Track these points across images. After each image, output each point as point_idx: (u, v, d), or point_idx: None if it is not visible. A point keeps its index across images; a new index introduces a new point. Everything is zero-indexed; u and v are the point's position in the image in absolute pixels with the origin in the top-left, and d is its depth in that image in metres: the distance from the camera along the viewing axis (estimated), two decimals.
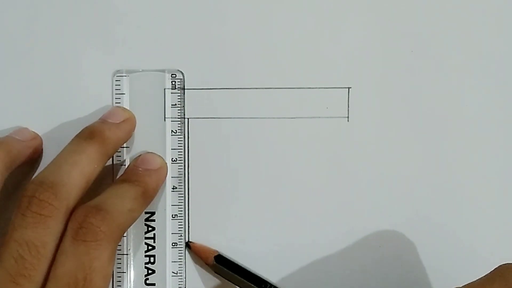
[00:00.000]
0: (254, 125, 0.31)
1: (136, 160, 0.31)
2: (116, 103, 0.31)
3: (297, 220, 0.31)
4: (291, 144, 0.31)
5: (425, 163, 0.31)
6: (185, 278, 0.31)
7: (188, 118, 0.31)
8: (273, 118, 0.31)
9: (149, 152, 0.31)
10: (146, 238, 0.31)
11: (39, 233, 0.26)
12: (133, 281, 0.31)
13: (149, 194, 0.29)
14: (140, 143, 0.31)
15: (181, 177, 0.31)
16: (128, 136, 0.31)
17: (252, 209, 0.31)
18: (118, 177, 0.31)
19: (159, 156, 0.31)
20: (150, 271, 0.31)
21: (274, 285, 0.30)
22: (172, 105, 0.31)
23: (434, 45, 0.31)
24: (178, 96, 0.31)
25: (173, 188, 0.31)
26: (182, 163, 0.31)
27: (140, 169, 0.30)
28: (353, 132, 0.31)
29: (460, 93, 0.31)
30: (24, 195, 0.27)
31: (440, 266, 0.31)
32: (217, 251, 0.31)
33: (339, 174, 0.31)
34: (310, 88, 0.31)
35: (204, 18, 0.31)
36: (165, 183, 0.31)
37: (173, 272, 0.31)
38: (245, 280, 0.30)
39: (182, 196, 0.31)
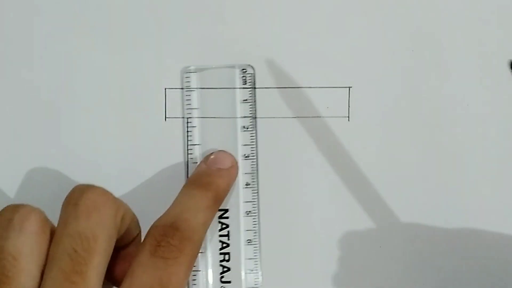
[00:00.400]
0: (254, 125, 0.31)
1: (207, 159, 0.31)
2: (186, 100, 0.31)
3: (297, 219, 0.31)
4: (291, 143, 0.31)
5: (426, 163, 0.31)
6: (261, 275, 0.31)
7: None
8: (273, 117, 0.31)
9: (220, 151, 0.31)
10: (220, 235, 0.31)
11: (91, 224, 0.25)
12: (209, 279, 0.31)
13: (220, 197, 0.29)
14: (212, 140, 0.31)
15: (254, 173, 0.31)
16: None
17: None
18: (189, 176, 0.31)
19: (230, 154, 0.31)
20: (225, 269, 0.31)
21: None
22: (243, 100, 0.31)
23: (434, 44, 0.31)
24: (249, 91, 0.31)
25: (246, 185, 0.31)
26: (254, 159, 0.31)
27: (211, 169, 0.30)
28: (353, 132, 0.31)
29: (460, 93, 0.31)
30: (73, 194, 0.26)
31: (441, 266, 0.31)
32: None
33: (340, 173, 0.31)
34: (310, 87, 0.31)
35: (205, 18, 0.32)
36: (238, 180, 0.31)
37: (248, 269, 0.31)
38: None
39: (256, 193, 0.31)
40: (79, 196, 0.26)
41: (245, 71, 0.31)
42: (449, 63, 0.31)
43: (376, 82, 0.31)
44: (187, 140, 0.31)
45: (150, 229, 0.27)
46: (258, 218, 0.31)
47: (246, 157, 0.31)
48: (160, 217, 0.28)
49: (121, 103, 0.31)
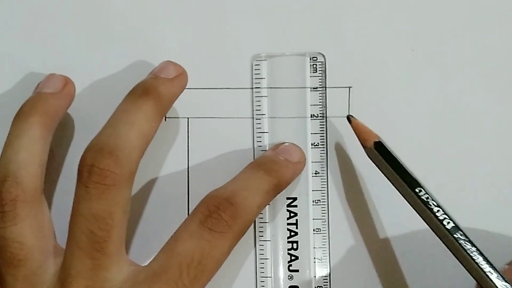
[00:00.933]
0: (255, 125, 0.31)
1: (277, 147, 0.30)
2: (255, 87, 0.31)
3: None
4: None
5: (425, 163, 0.31)
6: (329, 264, 0.31)
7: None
8: (274, 118, 0.31)
9: (292, 143, 0.31)
10: (288, 224, 0.31)
11: (104, 204, 0.25)
12: (277, 267, 0.31)
13: (281, 187, 0.29)
14: (280, 128, 0.31)
15: (323, 162, 0.31)
16: (181, 91, 0.29)
17: None
18: (255, 159, 0.31)
19: (301, 149, 0.31)
20: (293, 257, 0.31)
21: (427, 191, 0.27)
22: (312, 88, 0.31)
23: (434, 44, 0.31)
24: (319, 79, 0.31)
25: (315, 173, 0.31)
26: (323, 147, 0.31)
27: (279, 157, 0.30)
28: (353, 132, 0.30)
29: (460, 92, 0.31)
30: (83, 164, 0.26)
31: (441, 267, 0.31)
32: (378, 137, 0.29)
33: (339, 173, 0.31)
34: (311, 88, 0.31)
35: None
36: (307, 168, 0.31)
37: (316, 259, 0.31)
38: (398, 177, 0.28)
39: (325, 181, 0.31)
40: (88, 176, 0.25)
41: (316, 59, 0.31)
42: (449, 63, 0.31)
43: (376, 82, 0.31)
44: (255, 128, 0.31)
45: (205, 197, 0.27)
46: (327, 207, 0.31)
47: (315, 145, 0.31)
48: (218, 188, 0.27)
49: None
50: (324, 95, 0.31)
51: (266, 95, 0.31)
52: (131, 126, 0.26)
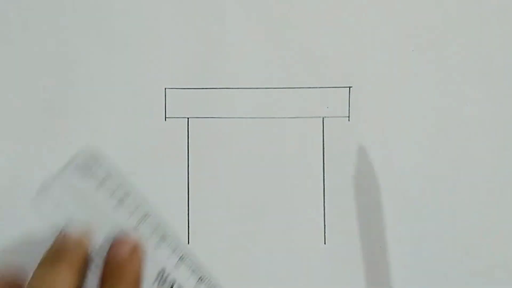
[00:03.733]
0: (254, 125, 0.31)
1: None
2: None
3: (297, 219, 0.31)
4: (292, 143, 0.31)
5: (425, 162, 0.31)
6: None
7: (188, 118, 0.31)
8: (274, 118, 0.31)
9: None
10: None
11: None
12: None
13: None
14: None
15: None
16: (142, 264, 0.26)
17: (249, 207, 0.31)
18: None
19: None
20: None
21: None
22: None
23: (434, 44, 0.31)
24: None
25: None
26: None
27: None
28: (354, 132, 0.31)
29: (460, 92, 0.31)
30: None
31: (440, 267, 0.31)
32: None
33: (339, 173, 0.31)
34: (311, 87, 0.31)
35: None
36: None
37: None
38: None
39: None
40: None
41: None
42: (449, 62, 0.31)
43: (376, 82, 0.31)
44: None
45: None
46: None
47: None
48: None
49: (121, 103, 0.31)
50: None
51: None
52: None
